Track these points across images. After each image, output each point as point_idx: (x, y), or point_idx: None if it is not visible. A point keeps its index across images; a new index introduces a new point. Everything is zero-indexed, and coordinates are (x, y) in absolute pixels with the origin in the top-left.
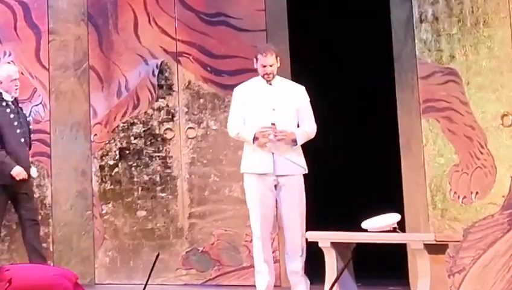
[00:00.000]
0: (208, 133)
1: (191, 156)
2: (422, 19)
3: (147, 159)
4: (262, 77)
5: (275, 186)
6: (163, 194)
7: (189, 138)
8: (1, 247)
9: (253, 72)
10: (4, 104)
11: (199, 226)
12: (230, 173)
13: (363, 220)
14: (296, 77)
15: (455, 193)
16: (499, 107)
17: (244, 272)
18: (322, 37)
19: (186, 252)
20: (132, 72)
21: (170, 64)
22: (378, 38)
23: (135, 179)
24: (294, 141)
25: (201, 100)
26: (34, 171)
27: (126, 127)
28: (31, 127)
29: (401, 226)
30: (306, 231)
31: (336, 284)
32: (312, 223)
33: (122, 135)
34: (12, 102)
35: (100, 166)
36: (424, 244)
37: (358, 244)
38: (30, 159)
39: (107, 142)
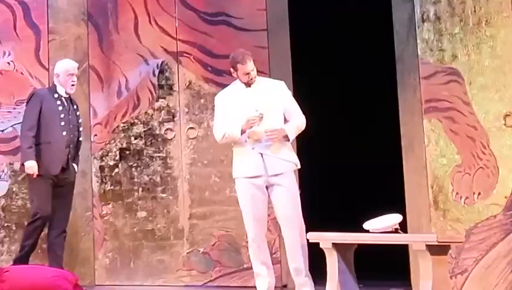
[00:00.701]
0: (209, 133)
1: (191, 156)
2: (424, 19)
3: (147, 159)
4: (246, 83)
5: (266, 187)
6: (163, 195)
7: (190, 138)
8: (0, 248)
9: None
10: (56, 96)
11: (200, 227)
12: (231, 173)
13: (365, 220)
14: (296, 77)
15: (457, 193)
16: (501, 107)
17: (245, 273)
18: (323, 36)
19: (187, 253)
20: (132, 72)
21: (171, 64)
22: (380, 38)
23: (135, 180)
24: (286, 137)
25: (202, 100)
26: (74, 170)
27: (126, 127)
28: (81, 129)
29: (403, 227)
30: (307, 232)
31: (337, 285)
32: (313, 224)
33: (122, 135)
34: (65, 98)
35: (100, 166)
36: (426, 245)
37: (360, 245)
38: (69, 157)
39: (107, 142)
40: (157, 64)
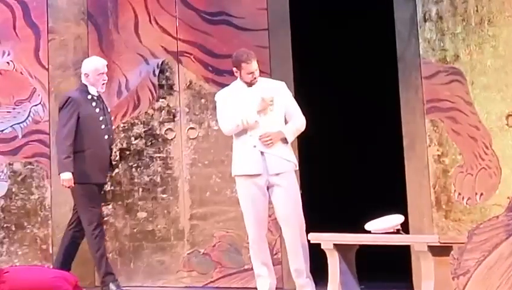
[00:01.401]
0: (209, 133)
1: (192, 156)
2: (426, 18)
3: (148, 159)
4: (249, 82)
5: (267, 187)
6: (164, 196)
7: (190, 139)
8: (0, 249)
9: None
10: (89, 97)
11: (200, 227)
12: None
13: (366, 221)
14: (297, 77)
15: (459, 194)
16: (503, 107)
17: (245, 274)
18: (325, 36)
19: (188, 254)
20: (132, 71)
21: (171, 63)
22: (381, 37)
23: (135, 180)
24: (284, 139)
25: (203, 100)
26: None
27: (126, 127)
28: (113, 127)
29: (404, 228)
30: (309, 233)
31: (339, 286)
32: (315, 225)
33: (122, 135)
34: (97, 97)
35: None
36: (428, 246)
37: (361, 246)
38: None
39: None
40: (158, 64)
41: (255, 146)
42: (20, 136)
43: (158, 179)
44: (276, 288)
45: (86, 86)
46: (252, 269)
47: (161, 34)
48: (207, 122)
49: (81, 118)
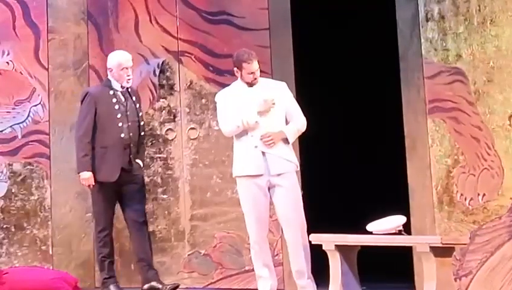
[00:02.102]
0: (210, 133)
1: (192, 157)
2: (428, 18)
3: (148, 160)
4: (249, 82)
5: (268, 188)
6: (164, 196)
7: (191, 139)
8: None
9: None
10: (112, 93)
11: (201, 228)
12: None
13: (368, 222)
14: (299, 77)
15: (462, 194)
16: (506, 107)
17: (246, 276)
18: (326, 36)
19: (188, 255)
20: (133, 71)
21: (171, 63)
22: (383, 37)
23: None
24: (285, 140)
25: (203, 100)
26: (138, 166)
27: None
28: (142, 123)
29: (406, 229)
30: (310, 234)
31: (340, 287)
32: (316, 226)
33: None
34: (122, 92)
35: None
36: (430, 247)
37: (363, 246)
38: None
39: None
40: (158, 64)
41: (256, 146)
42: (19, 137)
43: (158, 180)
44: (277, 289)
45: (110, 81)
46: (253, 270)
47: (162, 34)
48: (208, 122)
49: (98, 114)
